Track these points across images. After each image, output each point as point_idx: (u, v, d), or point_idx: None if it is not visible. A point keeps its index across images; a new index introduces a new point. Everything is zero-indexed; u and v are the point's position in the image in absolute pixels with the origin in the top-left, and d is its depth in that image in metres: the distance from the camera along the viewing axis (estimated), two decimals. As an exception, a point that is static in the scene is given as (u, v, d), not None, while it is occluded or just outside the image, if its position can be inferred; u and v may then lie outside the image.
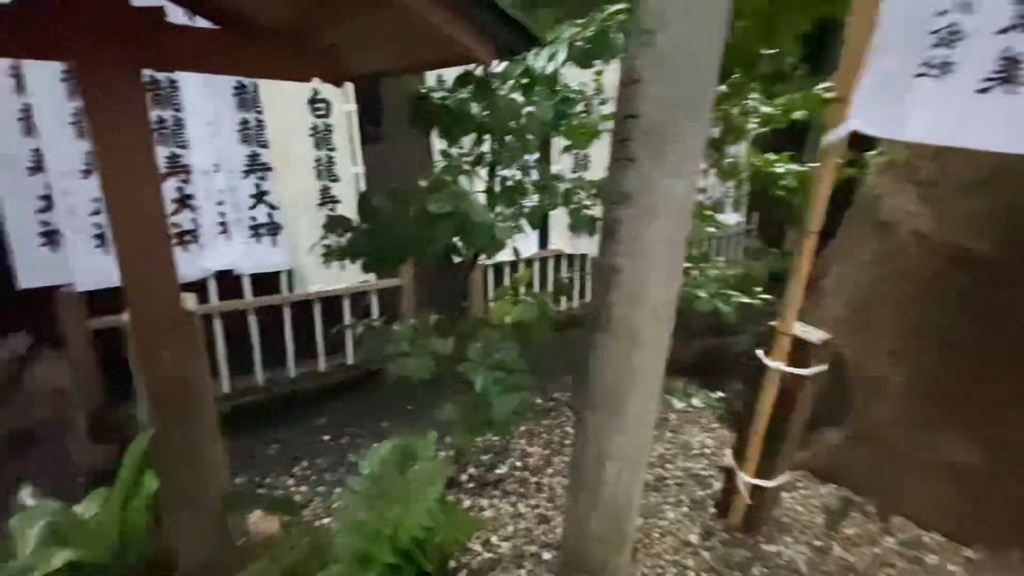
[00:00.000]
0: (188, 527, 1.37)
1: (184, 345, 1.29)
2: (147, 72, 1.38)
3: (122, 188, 1.11)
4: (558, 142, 3.07)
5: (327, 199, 2.68)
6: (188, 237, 2.42)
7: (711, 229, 2.42)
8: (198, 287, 2.45)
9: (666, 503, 2.11)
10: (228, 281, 2.55)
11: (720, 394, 2.94)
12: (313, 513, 2.04)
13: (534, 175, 1.63)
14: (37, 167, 2.07)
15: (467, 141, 1.47)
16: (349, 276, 2.82)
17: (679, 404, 2.88)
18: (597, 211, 1.71)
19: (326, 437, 2.57)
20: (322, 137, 2.66)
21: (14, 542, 1.25)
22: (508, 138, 1.39)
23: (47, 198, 2.11)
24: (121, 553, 1.32)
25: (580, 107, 1.82)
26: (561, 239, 3.55)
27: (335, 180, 2.70)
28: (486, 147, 1.47)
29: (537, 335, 1.52)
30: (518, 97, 1.37)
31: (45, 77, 2.00)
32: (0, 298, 2.15)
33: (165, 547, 1.46)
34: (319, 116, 2.63)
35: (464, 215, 1.13)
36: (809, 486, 2.19)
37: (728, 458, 1.94)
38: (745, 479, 1.82)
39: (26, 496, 1.34)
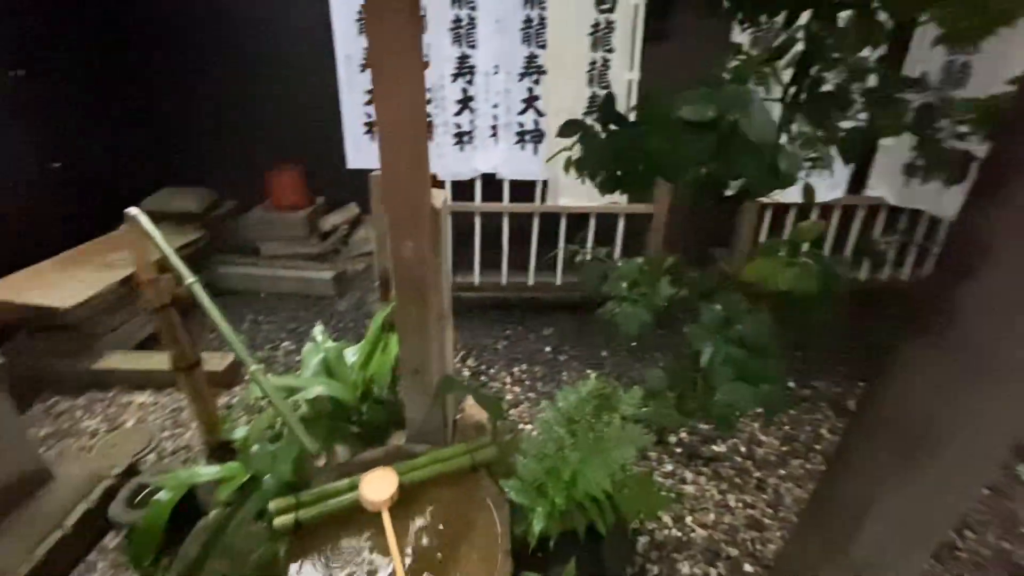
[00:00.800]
0: (413, 391, 1.56)
1: (427, 237, 1.37)
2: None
3: (388, 85, 1.15)
4: (925, 31, 2.08)
5: (594, 108, 2.50)
6: (465, 138, 2.61)
7: None
8: (466, 186, 2.68)
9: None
10: (491, 183, 2.72)
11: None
12: (519, 415, 2.16)
13: (870, 80, 1.07)
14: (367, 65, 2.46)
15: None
16: (598, 196, 2.67)
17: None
18: (972, 148, 1.06)
19: (547, 348, 2.65)
20: (602, 36, 2.41)
21: (304, 363, 1.67)
22: (843, 15, 0.91)
23: (371, 91, 2.51)
24: (363, 398, 1.62)
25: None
26: (886, 183, 2.59)
27: (606, 87, 2.47)
28: (800, 34, 1.01)
29: (816, 312, 1.09)
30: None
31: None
32: (336, 175, 2.75)
33: (397, 403, 1.72)
34: (603, 11, 2.37)
35: (732, 129, 0.78)
36: None
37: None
38: None
39: (318, 332, 1.75)
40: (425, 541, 1.31)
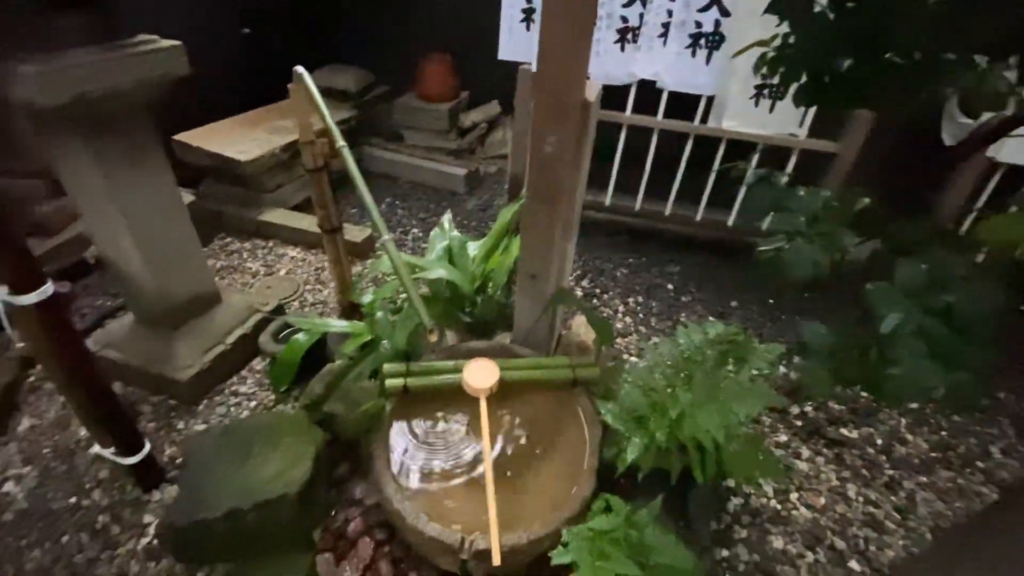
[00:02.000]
0: (526, 296, 1.56)
1: (572, 133, 1.26)
2: None
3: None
4: None
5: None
6: (629, 36, 2.33)
7: None
8: (618, 93, 2.45)
9: None
10: (647, 93, 2.44)
11: None
12: (625, 346, 2.08)
13: None
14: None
15: None
16: (775, 122, 2.27)
17: None
18: None
19: (670, 286, 2.48)
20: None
21: (430, 246, 1.72)
22: None
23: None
24: (479, 291, 1.65)
25: None
26: None
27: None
28: None
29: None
30: None
31: None
32: (483, 69, 2.66)
33: (509, 305, 1.74)
34: None
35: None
36: None
37: None
38: None
39: (446, 220, 1.78)
40: (515, 436, 1.35)
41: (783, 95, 2.16)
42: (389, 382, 1.35)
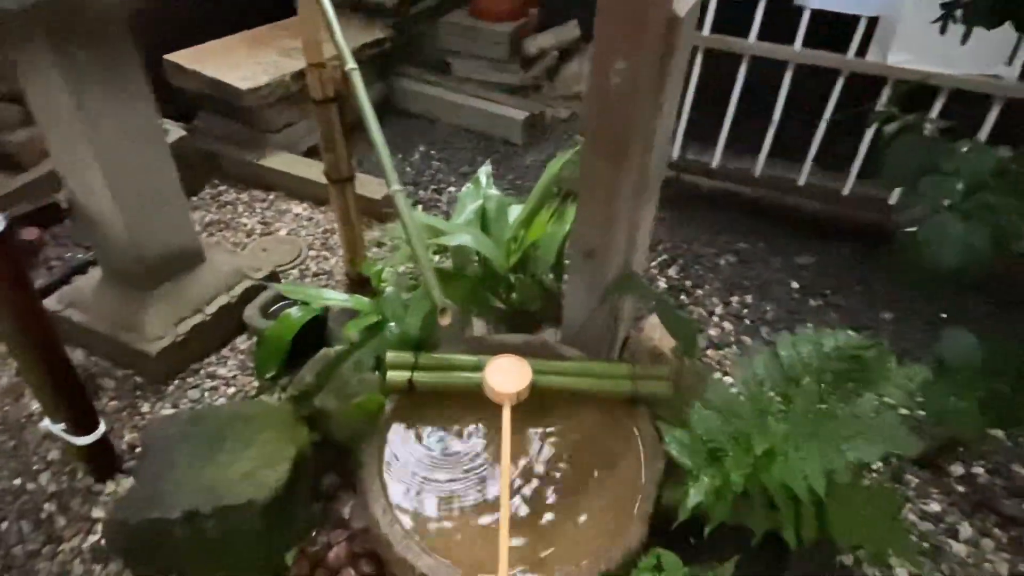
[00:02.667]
0: (580, 279, 1.56)
1: (647, 60, 1.24)
2: None
3: None
4: None
5: None
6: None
7: None
8: (738, 12, 2.36)
9: None
10: (778, 13, 2.34)
11: None
12: (717, 361, 2.04)
13: None
14: None
15: None
16: (967, 58, 2.11)
17: None
18: None
19: (795, 284, 2.39)
20: None
21: (459, 207, 1.77)
22: None
23: None
24: (517, 268, 1.67)
25: None
26: None
27: None
28: None
29: None
30: None
31: None
32: None
33: (557, 291, 1.75)
34: None
35: None
36: None
37: None
38: None
39: (483, 174, 1.81)
40: (548, 461, 1.37)
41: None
42: (391, 375, 1.41)
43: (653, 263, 2.47)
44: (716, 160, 2.66)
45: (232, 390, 1.90)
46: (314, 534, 1.49)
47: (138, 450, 1.65)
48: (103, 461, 1.62)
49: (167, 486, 1.35)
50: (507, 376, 1.36)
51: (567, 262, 1.61)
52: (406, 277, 1.77)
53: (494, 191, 1.79)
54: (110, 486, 1.63)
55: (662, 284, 2.38)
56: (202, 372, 1.94)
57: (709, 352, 2.07)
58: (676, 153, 2.71)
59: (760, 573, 1.25)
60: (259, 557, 1.39)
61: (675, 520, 1.15)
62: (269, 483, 1.36)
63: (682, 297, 2.32)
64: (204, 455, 1.43)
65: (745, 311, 2.27)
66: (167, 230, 1.90)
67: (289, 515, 1.43)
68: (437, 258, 1.75)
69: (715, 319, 2.24)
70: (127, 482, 1.62)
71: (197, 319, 1.95)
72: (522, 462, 1.37)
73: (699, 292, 2.35)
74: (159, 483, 1.36)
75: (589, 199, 1.43)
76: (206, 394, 1.88)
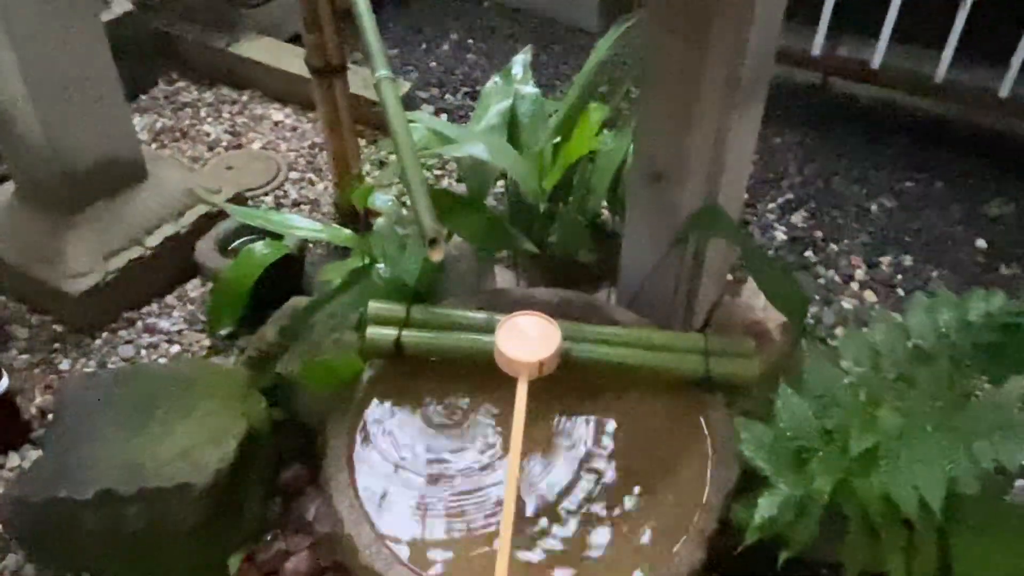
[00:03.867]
0: (644, 213, 1.59)
1: None
2: None
3: None
4: None
5: None
6: None
7: None
8: None
9: None
10: None
11: None
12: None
13: None
14: None
15: None
16: None
17: None
18: None
19: (980, 243, 2.36)
20: None
21: (480, 107, 1.81)
22: None
23: None
24: (553, 197, 1.73)
25: None
26: None
27: None
28: None
29: None
30: None
31: None
32: None
33: (614, 236, 1.79)
34: None
35: None
36: None
37: None
38: None
39: (518, 63, 1.84)
40: (577, 459, 1.42)
41: None
42: (373, 331, 1.48)
43: (771, 204, 2.47)
44: (879, 58, 2.61)
45: (176, 348, 2.03)
46: (268, 538, 1.60)
47: (51, 416, 1.80)
48: (7, 427, 1.78)
49: (80, 460, 1.49)
50: (527, 340, 1.41)
51: (627, 191, 1.64)
52: (404, 212, 1.83)
53: (531, 88, 1.83)
54: (14, 459, 1.78)
55: (780, 235, 2.38)
56: (139, 324, 2.08)
57: (838, 331, 2.07)
58: (820, 46, 2.67)
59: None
60: (193, 560, 1.52)
61: (740, 542, 1.20)
62: (210, 464, 1.48)
63: (807, 254, 2.32)
64: (131, 425, 1.56)
65: (899, 277, 2.26)
66: (97, 134, 2.03)
67: (235, 509, 1.55)
68: (448, 182, 1.82)
69: (853, 286, 2.23)
70: (36, 454, 1.77)
71: (134, 252, 2.08)
72: (544, 459, 1.42)
73: (833, 248, 2.34)
74: (71, 455, 1.50)
75: (655, 96, 1.46)
76: (143, 352, 2.01)
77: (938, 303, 1.27)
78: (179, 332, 2.08)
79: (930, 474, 1.06)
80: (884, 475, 1.10)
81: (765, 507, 1.16)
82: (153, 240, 2.13)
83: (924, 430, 1.13)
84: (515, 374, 1.39)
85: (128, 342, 2.04)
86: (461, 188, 1.90)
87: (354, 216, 2.13)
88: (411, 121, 1.54)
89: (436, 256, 1.28)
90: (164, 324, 2.09)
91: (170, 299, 2.17)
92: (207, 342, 2.03)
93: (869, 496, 1.10)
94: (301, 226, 1.76)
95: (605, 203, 1.81)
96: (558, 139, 1.71)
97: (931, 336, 1.24)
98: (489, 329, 1.46)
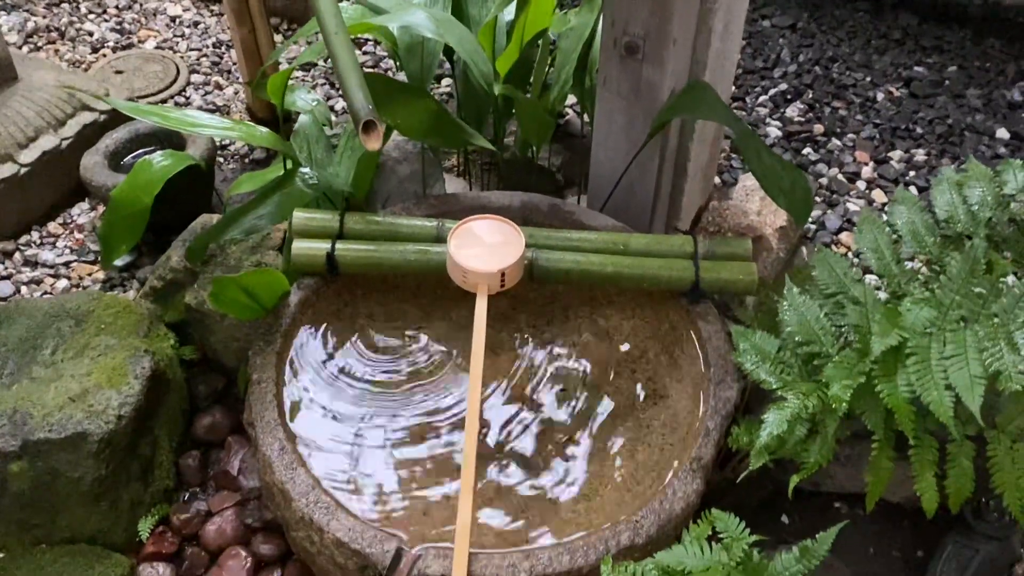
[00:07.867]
0: (612, 95, 1.54)
1: None
2: None
3: None
4: None
5: None
6: None
7: None
8: None
9: None
10: None
11: None
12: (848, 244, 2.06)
13: None
14: None
15: None
16: None
17: None
18: None
19: (1003, 133, 2.36)
20: None
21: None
22: None
23: None
24: (510, 78, 1.67)
25: None
26: None
27: None
28: None
29: None
30: None
31: None
32: None
33: (581, 134, 1.74)
34: None
35: None
36: None
37: None
38: None
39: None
40: (551, 385, 1.40)
41: None
42: (300, 245, 1.44)
43: (763, 96, 2.45)
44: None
45: (63, 284, 1.96)
46: (185, 497, 1.56)
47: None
48: None
49: (-50, 412, 1.42)
50: (485, 249, 1.38)
51: (597, 70, 1.59)
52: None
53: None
54: None
55: (774, 130, 2.36)
56: (17, 256, 2.01)
57: (843, 237, 2.08)
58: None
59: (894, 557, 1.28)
60: (95, 525, 1.46)
61: (740, 472, 1.18)
62: (109, 410, 1.42)
63: (806, 151, 2.31)
64: (13, 368, 1.50)
65: (912, 174, 2.26)
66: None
67: (143, 464, 1.50)
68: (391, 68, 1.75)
69: (860, 185, 2.23)
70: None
71: (5, 171, 1.99)
72: (508, 389, 1.40)
73: (836, 143, 2.34)
74: (-59, 406, 1.43)
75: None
76: (23, 289, 1.94)
77: (970, 177, 1.25)
78: (66, 264, 2.00)
79: (966, 371, 1.05)
80: (912, 376, 1.08)
81: (773, 423, 1.13)
82: (28, 155, 2.03)
83: (957, 322, 1.13)
84: (472, 288, 1.35)
85: (4, 278, 1.96)
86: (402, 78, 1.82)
87: (273, 123, 2.07)
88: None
89: (372, 144, 1.22)
90: (47, 255, 2.01)
91: (53, 226, 2.09)
92: (101, 275, 1.96)
93: (895, 402, 1.09)
94: (207, 123, 1.66)
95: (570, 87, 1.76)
96: (512, 10, 1.65)
97: (963, 216, 1.23)
98: (440, 238, 1.43)
